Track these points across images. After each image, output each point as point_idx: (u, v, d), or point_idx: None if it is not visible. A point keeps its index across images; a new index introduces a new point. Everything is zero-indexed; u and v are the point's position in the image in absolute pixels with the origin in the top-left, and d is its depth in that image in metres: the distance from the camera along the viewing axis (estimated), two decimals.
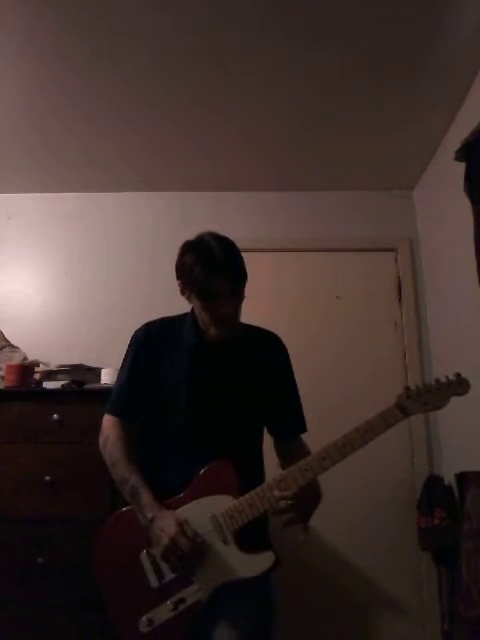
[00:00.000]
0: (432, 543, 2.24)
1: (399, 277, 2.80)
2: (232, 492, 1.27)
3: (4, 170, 2.75)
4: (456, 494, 2.15)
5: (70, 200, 2.95)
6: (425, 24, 1.82)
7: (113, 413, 1.44)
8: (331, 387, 2.61)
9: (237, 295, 1.34)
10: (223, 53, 1.96)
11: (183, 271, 1.35)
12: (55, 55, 1.96)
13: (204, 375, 1.40)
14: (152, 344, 1.44)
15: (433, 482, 2.34)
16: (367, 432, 1.27)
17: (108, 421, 1.43)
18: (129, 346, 1.48)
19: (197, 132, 2.43)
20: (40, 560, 1.91)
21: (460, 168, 2.00)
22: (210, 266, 1.28)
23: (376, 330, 2.74)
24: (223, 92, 2.16)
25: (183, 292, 1.38)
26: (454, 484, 2.18)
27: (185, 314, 1.48)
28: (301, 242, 2.84)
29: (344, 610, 2.39)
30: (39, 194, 2.95)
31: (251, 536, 1.27)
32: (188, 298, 1.38)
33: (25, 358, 2.57)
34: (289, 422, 1.51)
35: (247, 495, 1.26)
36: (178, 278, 1.38)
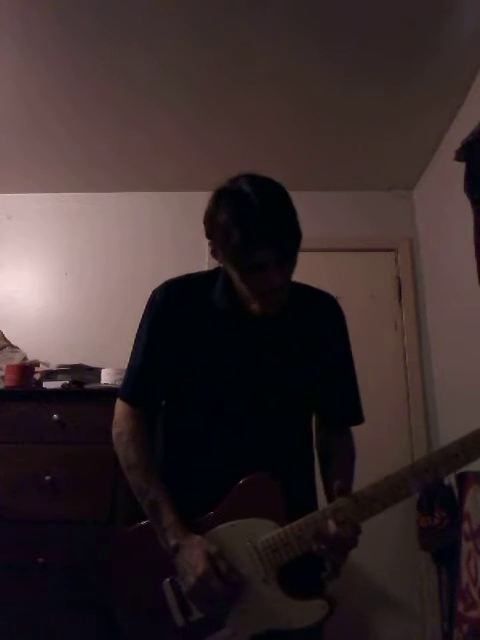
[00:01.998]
0: (432, 543, 2.23)
1: (399, 277, 2.80)
2: (276, 516, 1.01)
3: (4, 170, 2.76)
4: (456, 494, 2.15)
5: (70, 200, 2.95)
6: (425, 24, 1.82)
7: (127, 399, 1.16)
8: None
9: (288, 263, 1.03)
10: (224, 53, 1.95)
11: (215, 231, 1.04)
12: (55, 55, 1.96)
13: (240, 353, 1.11)
14: (174, 310, 1.13)
15: None
16: (457, 455, 0.99)
17: (122, 410, 1.16)
18: (145, 312, 1.18)
19: (197, 131, 2.43)
20: (40, 560, 1.91)
21: (460, 168, 2.00)
22: (250, 230, 0.96)
23: (376, 330, 2.73)
24: (224, 92, 2.16)
25: (215, 254, 1.07)
26: (454, 484, 2.18)
27: (215, 271, 1.17)
28: (301, 242, 2.84)
29: (344, 610, 2.38)
30: (39, 194, 2.95)
31: (299, 574, 1.00)
32: (221, 262, 1.08)
33: (25, 358, 2.57)
34: (343, 410, 1.21)
35: (295, 524, 0.99)
36: (208, 237, 1.07)
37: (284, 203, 1.03)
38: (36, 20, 1.80)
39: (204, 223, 1.08)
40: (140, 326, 1.18)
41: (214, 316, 1.12)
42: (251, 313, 1.10)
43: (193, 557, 0.98)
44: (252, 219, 0.97)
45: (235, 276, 1.06)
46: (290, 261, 1.04)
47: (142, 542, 1.08)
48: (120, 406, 1.17)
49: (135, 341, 1.19)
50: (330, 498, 1.05)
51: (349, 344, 1.25)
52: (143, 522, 1.09)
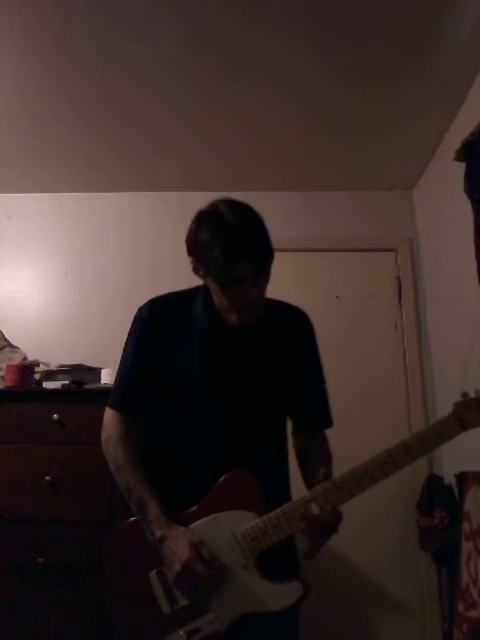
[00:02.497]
0: (432, 543, 2.23)
1: (399, 277, 2.80)
2: (255, 508, 1.10)
3: (4, 170, 2.75)
4: (456, 494, 2.15)
5: (70, 200, 2.95)
6: (425, 24, 1.81)
7: (115, 406, 1.26)
8: (330, 387, 2.60)
9: (262, 277, 1.15)
10: (223, 53, 1.95)
11: (196, 249, 1.15)
12: (55, 55, 1.96)
13: (220, 362, 1.21)
14: (158, 324, 1.24)
15: (433, 482, 2.34)
16: (413, 449, 1.07)
17: (110, 416, 1.26)
18: (132, 327, 1.29)
19: (197, 132, 2.43)
20: (40, 560, 1.91)
21: (460, 168, 2.00)
22: (230, 247, 1.07)
23: (376, 330, 2.74)
24: (223, 92, 2.16)
25: (196, 271, 1.18)
26: (454, 484, 2.18)
27: (196, 288, 1.28)
28: (301, 242, 2.84)
29: (344, 610, 2.39)
30: (39, 194, 2.95)
31: (276, 560, 1.09)
32: (202, 277, 1.19)
33: (25, 358, 2.57)
34: (314, 414, 1.32)
35: (272, 513, 1.09)
36: (190, 254, 1.17)
37: (258, 223, 1.15)
38: (35, 21, 1.80)
39: (186, 242, 1.18)
40: (127, 340, 1.29)
41: (195, 328, 1.23)
42: (229, 324, 1.20)
43: (178, 546, 1.07)
44: (231, 237, 1.08)
45: (215, 290, 1.17)
46: (264, 275, 1.16)
47: (130, 538, 1.17)
48: (109, 413, 1.27)
49: (122, 354, 1.29)
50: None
51: (318, 354, 1.34)
52: (130, 519, 1.18)
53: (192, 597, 1.09)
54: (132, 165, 2.71)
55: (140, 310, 1.29)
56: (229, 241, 1.08)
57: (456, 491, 2.15)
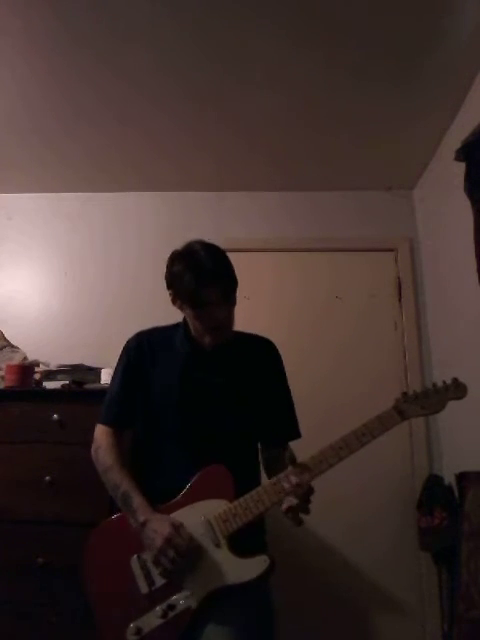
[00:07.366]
0: (432, 543, 2.23)
1: (399, 277, 2.80)
2: (227, 496, 1.26)
3: (4, 170, 2.76)
4: (456, 494, 2.15)
5: (70, 200, 2.95)
6: (425, 24, 1.82)
7: (105, 422, 1.45)
8: (331, 387, 2.61)
9: (228, 301, 1.34)
10: (224, 53, 1.96)
11: (173, 281, 1.36)
12: (55, 55, 1.96)
13: (196, 380, 1.40)
14: (144, 352, 1.45)
15: (433, 482, 2.34)
16: (364, 435, 1.27)
17: (100, 430, 1.45)
18: (121, 355, 1.49)
19: (198, 132, 2.43)
20: (40, 560, 1.91)
21: (460, 168, 2.00)
22: (199, 274, 1.28)
23: (376, 330, 2.74)
24: (224, 92, 2.16)
25: (174, 302, 1.38)
26: (454, 484, 2.18)
27: (177, 324, 1.49)
28: (301, 242, 2.84)
29: (344, 610, 2.39)
30: (39, 194, 2.95)
31: (246, 540, 1.24)
32: (180, 308, 1.39)
33: (25, 358, 2.57)
34: (282, 428, 1.49)
35: (242, 499, 1.25)
36: (168, 288, 1.38)
37: (224, 257, 1.35)
38: (36, 20, 1.80)
39: (165, 277, 1.38)
40: (116, 366, 1.49)
41: (176, 353, 1.43)
42: (205, 348, 1.40)
43: (159, 526, 1.23)
44: (200, 265, 1.29)
45: (190, 315, 1.37)
46: (230, 300, 1.34)
47: (112, 532, 1.34)
48: (99, 428, 1.46)
49: (111, 378, 1.50)
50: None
51: (285, 375, 1.53)
52: (113, 517, 1.36)
53: (169, 573, 1.21)
54: (132, 165, 2.71)
55: (128, 342, 1.50)
56: (198, 268, 1.28)
57: (456, 491, 2.15)
